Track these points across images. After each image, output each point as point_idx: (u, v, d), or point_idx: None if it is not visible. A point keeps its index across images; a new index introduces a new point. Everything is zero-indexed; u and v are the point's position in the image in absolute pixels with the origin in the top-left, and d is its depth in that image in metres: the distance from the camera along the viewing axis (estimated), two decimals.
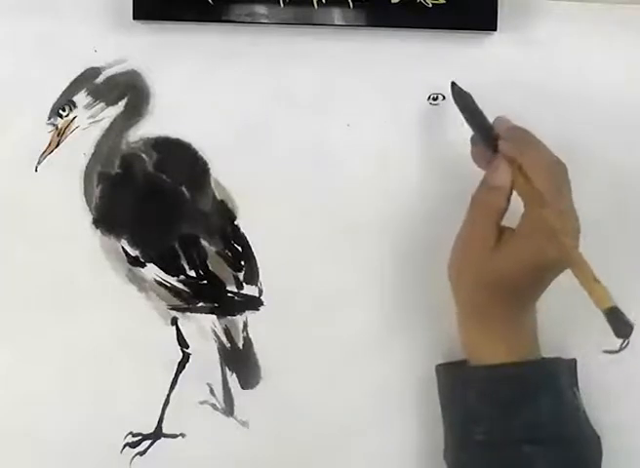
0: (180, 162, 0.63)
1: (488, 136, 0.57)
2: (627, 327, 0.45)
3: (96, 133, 0.63)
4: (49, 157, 0.63)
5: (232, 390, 0.64)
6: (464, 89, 0.59)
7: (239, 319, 0.64)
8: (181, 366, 0.64)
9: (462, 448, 0.57)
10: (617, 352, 0.45)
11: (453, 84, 0.59)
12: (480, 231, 0.55)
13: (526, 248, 0.53)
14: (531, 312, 0.57)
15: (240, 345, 0.64)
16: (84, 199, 0.63)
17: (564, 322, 0.63)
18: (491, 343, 0.55)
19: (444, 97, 0.63)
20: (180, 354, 0.64)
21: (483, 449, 0.55)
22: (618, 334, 0.44)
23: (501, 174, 0.55)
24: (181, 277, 0.63)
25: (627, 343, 0.44)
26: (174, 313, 0.64)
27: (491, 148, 0.56)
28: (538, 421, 0.54)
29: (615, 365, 0.64)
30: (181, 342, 0.64)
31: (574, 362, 0.60)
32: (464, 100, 0.59)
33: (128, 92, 0.63)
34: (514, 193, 0.55)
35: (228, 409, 0.64)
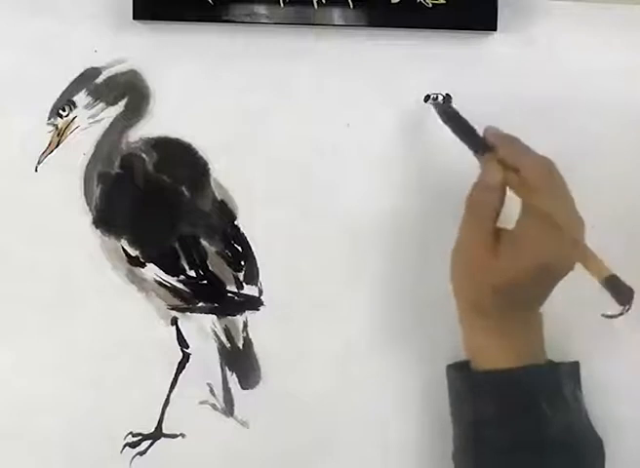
0: (180, 162, 0.63)
1: (476, 143, 0.57)
2: (628, 292, 0.45)
3: (96, 133, 0.63)
4: (49, 157, 0.63)
5: (232, 390, 0.64)
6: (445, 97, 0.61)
7: (239, 319, 0.64)
8: (181, 366, 0.64)
9: (472, 451, 0.56)
10: (617, 316, 0.45)
11: (427, 96, 0.61)
12: (476, 232, 0.55)
13: (526, 246, 0.52)
14: (536, 316, 0.56)
15: (240, 345, 0.64)
16: (84, 199, 0.63)
17: (565, 323, 0.63)
18: (494, 348, 0.55)
19: (444, 97, 0.63)
20: (180, 354, 0.64)
21: (491, 452, 0.55)
22: (620, 301, 0.45)
23: (493, 173, 0.55)
24: (181, 277, 0.63)
25: (628, 308, 0.44)
26: (174, 313, 0.64)
27: (480, 154, 0.56)
28: (542, 425, 0.54)
29: (616, 366, 0.64)
30: (181, 342, 0.64)
31: (577, 365, 0.59)
32: (446, 111, 0.59)
33: (128, 92, 0.63)
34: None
35: (228, 409, 0.64)
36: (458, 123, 0.58)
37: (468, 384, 0.57)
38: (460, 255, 0.56)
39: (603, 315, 0.47)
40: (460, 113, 0.59)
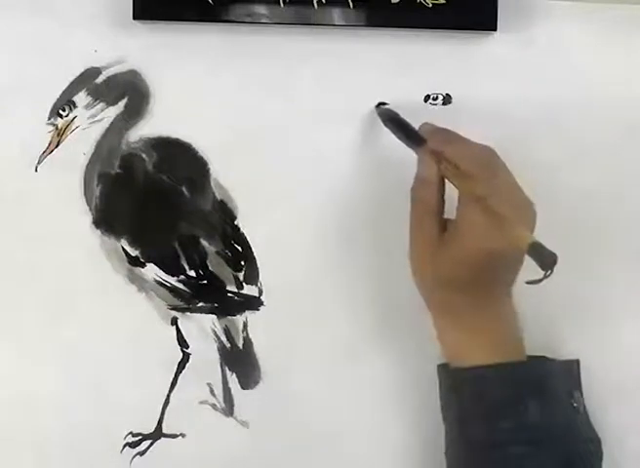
0: (180, 162, 0.63)
1: (415, 141, 0.57)
2: (551, 257, 0.45)
3: (96, 133, 0.63)
4: (49, 157, 0.63)
5: (232, 390, 0.64)
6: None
7: (239, 319, 0.64)
8: (181, 366, 0.64)
9: (460, 447, 0.57)
10: (539, 282, 0.45)
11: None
12: (421, 225, 0.55)
13: (467, 232, 0.52)
14: (502, 308, 0.56)
15: (240, 345, 0.64)
16: (84, 199, 0.63)
17: (562, 322, 0.63)
18: (467, 344, 0.55)
19: (444, 97, 0.63)
20: (180, 354, 0.64)
21: (478, 449, 0.55)
22: (543, 267, 0.44)
23: (427, 166, 0.55)
24: (181, 277, 0.63)
25: (550, 273, 0.44)
26: (174, 313, 0.64)
27: (415, 149, 0.57)
28: (525, 422, 0.53)
29: (616, 366, 0.64)
30: (181, 342, 0.64)
31: (575, 363, 0.59)
32: (390, 118, 0.60)
33: (128, 92, 0.63)
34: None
35: (228, 409, 0.64)
36: (397, 124, 0.59)
37: (451, 382, 0.57)
38: (411, 251, 0.56)
39: (526, 282, 0.47)
40: (399, 115, 0.60)
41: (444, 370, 0.58)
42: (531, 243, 0.46)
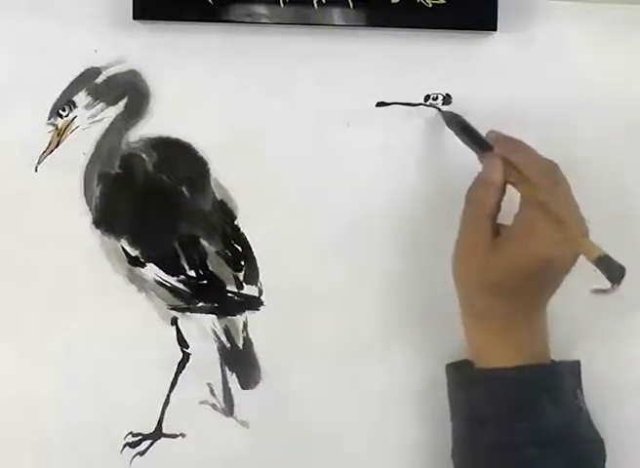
0: (180, 162, 0.63)
1: (482, 146, 0.57)
2: (620, 270, 0.45)
3: (96, 133, 0.63)
4: (49, 157, 0.63)
5: (232, 390, 0.64)
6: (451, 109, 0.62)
7: (239, 319, 0.64)
8: (181, 366, 0.64)
9: (470, 449, 0.56)
10: (606, 292, 0.45)
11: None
12: (477, 228, 0.55)
13: (526, 240, 0.52)
14: (539, 315, 0.56)
15: (240, 345, 0.64)
16: (84, 199, 0.63)
17: (567, 322, 0.63)
18: (496, 346, 0.55)
19: (444, 97, 0.63)
20: (180, 354, 0.64)
21: (489, 451, 0.55)
22: (612, 279, 0.45)
23: (494, 169, 0.55)
24: (181, 277, 0.63)
25: (618, 286, 0.45)
26: (174, 313, 0.64)
27: (481, 152, 0.57)
28: (541, 424, 0.54)
29: (618, 366, 0.64)
30: (181, 342, 0.64)
31: (577, 364, 0.59)
32: (457, 122, 0.60)
33: (128, 92, 0.63)
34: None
35: (228, 409, 0.64)
36: (463, 128, 0.59)
37: (468, 383, 0.57)
38: (460, 253, 0.56)
39: (592, 290, 0.47)
40: (466, 120, 0.60)
41: (458, 370, 0.58)
42: (600, 255, 0.46)
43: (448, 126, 0.61)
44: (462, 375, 0.58)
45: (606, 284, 0.45)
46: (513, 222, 0.54)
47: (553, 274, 0.54)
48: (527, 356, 0.55)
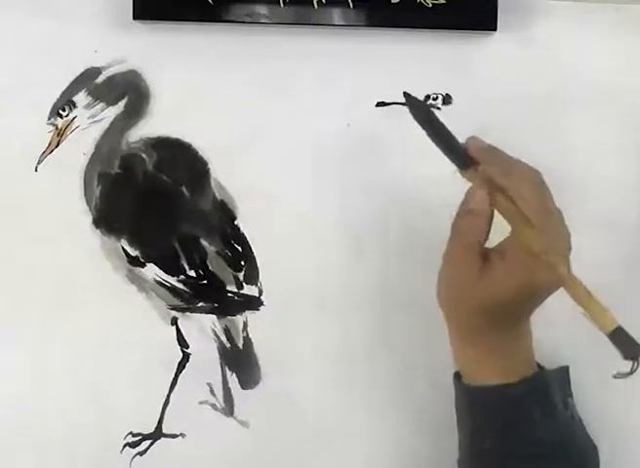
0: (180, 162, 0.63)
1: (459, 158, 0.52)
2: (635, 347, 0.43)
3: (96, 133, 0.63)
4: (49, 157, 0.63)
5: (232, 390, 0.64)
6: (450, 95, 0.58)
7: (239, 319, 0.64)
8: (181, 366, 0.64)
9: (474, 457, 0.56)
10: (628, 375, 0.43)
11: (407, 95, 0.53)
12: (464, 257, 0.53)
13: (514, 271, 0.51)
14: (525, 329, 0.56)
15: (240, 345, 0.64)
16: (84, 199, 0.63)
17: (560, 326, 0.63)
18: (482, 363, 0.55)
19: (444, 97, 0.63)
20: (180, 354, 0.64)
21: (491, 461, 0.55)
22: (625, 356, 0.43)
23: (479, 199, 0.52)
24: (181, 277, 0.63)
25: (637, 365, 0.43)
26: (174, 313, 0.64)
27: (462, 167, 0.52)
28: (535, 436, 0.53)
29: (611, 370, 0.64)
30: (181, 342, 0.64)
31: (566, 369, 0.59)
32: (425, 116, 0.52)
33: (128, 92, 0.63)
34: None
35: (228, 409, 0.64)
36: (437, 130, 0.52)
37: (465, 395, 0.57)
38: (446, 279, 0.54)
39: (614, 376, 0.45)
40: (443, 123, 0.52)
41: (459, 381, 0.58)
42: (614, 329, 0.44)
43: (414, 117, 0.52)
44: (461, 387, 0.57)
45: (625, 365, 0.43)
46: (503, 248, 0.52)
47: (541, 298, 0.53)
48: (514, 371, 0.54)
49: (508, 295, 0.51)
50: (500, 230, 0.52)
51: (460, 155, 0.51)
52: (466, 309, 0.53)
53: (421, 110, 0.53)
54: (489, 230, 0.53)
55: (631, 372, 0.43)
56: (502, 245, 0.52)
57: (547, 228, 0.50)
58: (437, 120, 0.51)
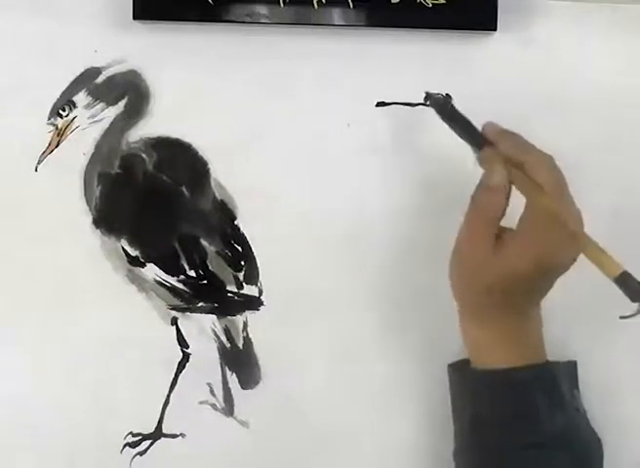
0: (180, 162, 0.63)
1: (476, 140, 0.56)
2: None
3: (96, 133, 0.63)
4: (49, 157, 0.63)
5: (232, 390, 0.64)
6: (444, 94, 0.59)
7: (239, 319, 0.64)
8: (181, 366, 0.64)
9: (472, 449, 0.56)
10: (633, 316, 0.45)
11: (428, 95, 0.57)
12: (480, 232, 0.54)
13: (528, 245, 0.52)
14: (535, 315, 0.56)
15: (240, 345, 0.64)
16: (84, 199, 0.63)
17: (565, 322, 0.63)
18: (492, 346, 0.55)
19: (444, 98, 0.63)
20: (180, 354, 0.64)
21: (491, 451, 0.55)
22: (633, 299, 0.45)
23: (498, 174, 0.54)
24: (181, 277, 0.63)
25: None
26: (174, 313, 0.64)
27: (479, 147, 0.55)
28: (539, 425, 0.54)
29: (615, 364, 0.64)
30: (181, 342, 0.64)
31: (573, 364, 0.59)
32: (445, 109, 0.57)
33: (128, 92, 0.63)
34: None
35: (228, 409, 0.64)
36: (457, 121, 0.57)
37: (468, 383, 0.57)
38: (460, 255, 0.56)
39: (621, 317, 0.47)
40: (459, 111, 0.57)
41: (459, 371, 0.58)
42: (621, 273, 0.46)
43: (438, 113, 0.57)
44: (463, 376, 0.58)
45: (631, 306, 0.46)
46: (518, 224, 0.53)
47: (554, 276, 0.54)
48: (523, 356, 0.55)
49: (522, 271, 0.52)
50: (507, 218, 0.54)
51: (477, 137, 0.55)
52: (479, 287, 0.54)
53: (445, 107, 0.57)
54: (506, 207, 0.54)
55: (636, 314, 0.45)
56: (518, 224, 0.54)
57: (562, 203, 0.52)
58: (458, 112, 0.56)
